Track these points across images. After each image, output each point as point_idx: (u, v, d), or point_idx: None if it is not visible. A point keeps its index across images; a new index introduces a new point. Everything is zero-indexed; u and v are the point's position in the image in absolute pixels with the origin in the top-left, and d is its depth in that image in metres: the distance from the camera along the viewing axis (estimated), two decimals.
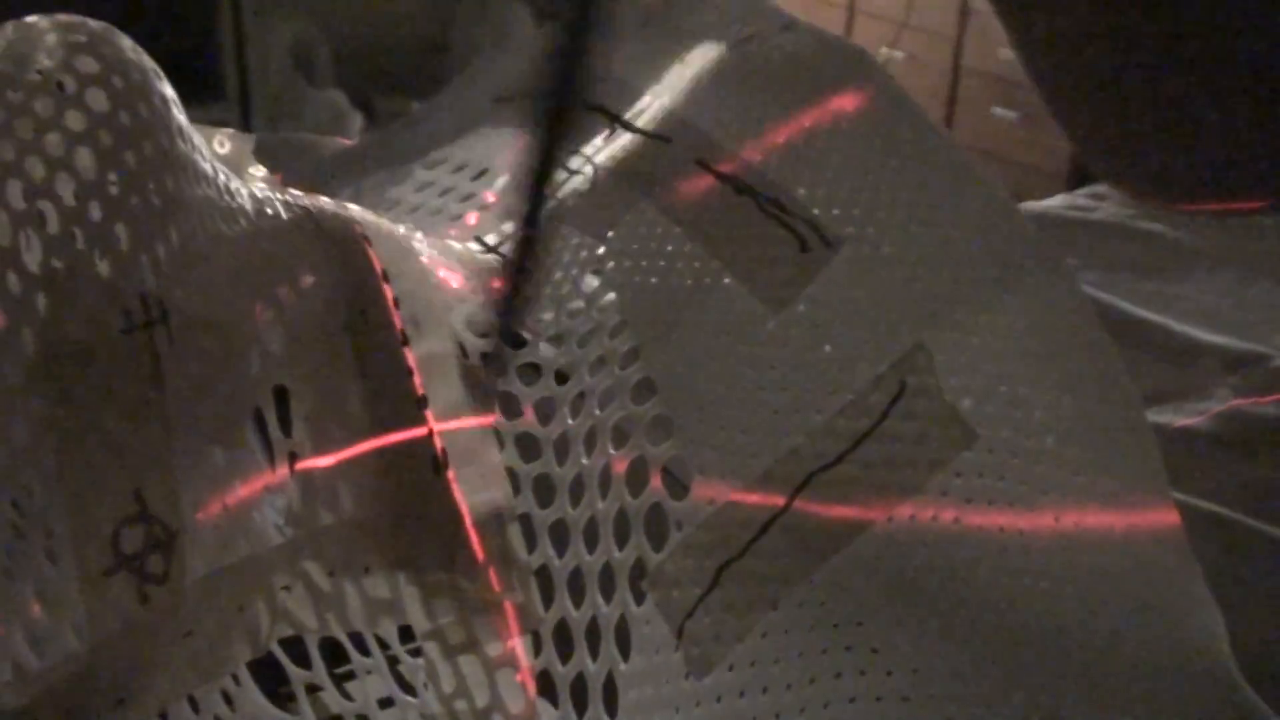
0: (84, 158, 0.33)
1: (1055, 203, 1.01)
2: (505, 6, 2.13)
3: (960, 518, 0.36)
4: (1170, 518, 0.36)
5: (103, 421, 0.32)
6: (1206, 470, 0.64)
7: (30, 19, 0.34)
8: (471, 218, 0.46)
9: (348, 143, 0.57)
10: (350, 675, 0.40)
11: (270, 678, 0.39)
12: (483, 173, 0.48)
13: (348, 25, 2.01)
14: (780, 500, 0.37)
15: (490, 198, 0.47)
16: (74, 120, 0.33)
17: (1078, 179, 2.18)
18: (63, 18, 0.34)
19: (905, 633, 0.35)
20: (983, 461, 0.36)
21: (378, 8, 2.08)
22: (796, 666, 0.35)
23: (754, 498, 0.37)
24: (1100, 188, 1.03)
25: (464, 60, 2.14)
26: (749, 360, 0.39)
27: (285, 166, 0.48)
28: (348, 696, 0.39)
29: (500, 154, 0.48)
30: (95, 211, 0.33)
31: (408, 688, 0.39)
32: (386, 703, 0.39)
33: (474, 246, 0.45)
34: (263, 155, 0.45)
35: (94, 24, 0.34)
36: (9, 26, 0.34)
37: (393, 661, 0.39)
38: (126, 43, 0.34)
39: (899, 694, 0.34)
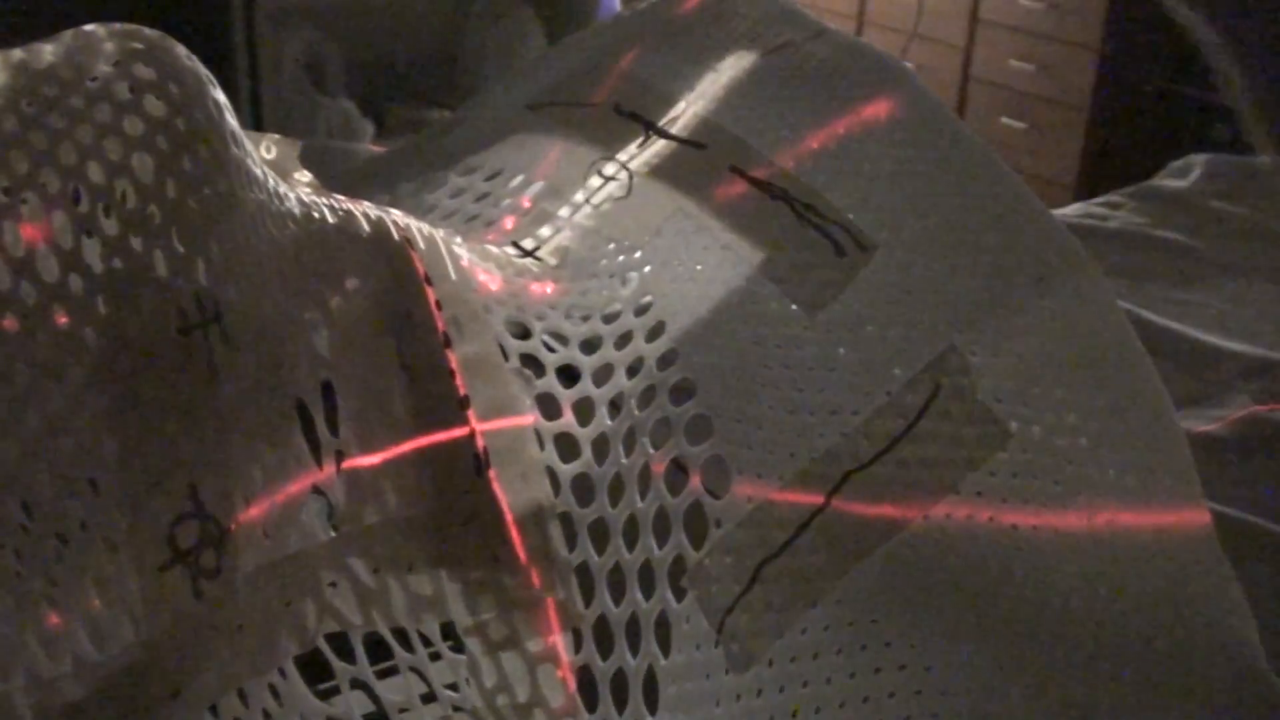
0: (142, 162, 0.34)
1: (1070, 211, 1.02)
2: (515, 17, 2.14)
3: (995, 516, 0.37)
4: (1202, 517, 0.37)
5: (161, 419, 0.33)
6: (1226, 476, 0.64)
7: (88, 27, 0.35)
8: (508, 222, 0.47)
9: (379, 150, 0.58)
10: (392, 670, 0.40)
11: (312, 672, 0.39)
12: (517, 178, 0.49)
13: (359, 35, 2.02)
14: (818, 499, 0.37)
15: (526, 203, 0.47)
16: (132, 126, 0.34)
17: (1085, 189, 2.18)
18: (119, 26, 0.35)
19: (943, 629, 0.35)
20: (1017, 461, 0.37)
21: (389, 18, 2.09)
22: (836, 662, 0.36)
23: (792, 497, 0.38)
24: (1115, 196, 1.04)
25: (474, 70, 2.15)
26: (785, 362, 0.40)
27: (326, 172, 0.49)
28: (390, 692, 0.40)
29: (535, 160, 0.49)
30: (153, 214, 0.33)
31: (449, 685, 0.40)
32: (428, 697, 0.40)
33: (511, 250, 0.46)
34: (307, 161, 0.46)
35: (150, 32, 0.35)
36: (68, 35, 0.35)
37: (434, 657, 0.40)
38: (181, 50, 0.35)
39: (938, 689, 0.35)
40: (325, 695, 0.40)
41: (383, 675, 0.41)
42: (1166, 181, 1.08)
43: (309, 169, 0.46)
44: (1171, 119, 2.28)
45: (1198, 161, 1.11)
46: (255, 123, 1.60)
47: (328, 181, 0.49)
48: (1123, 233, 0.97)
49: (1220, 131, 2.15)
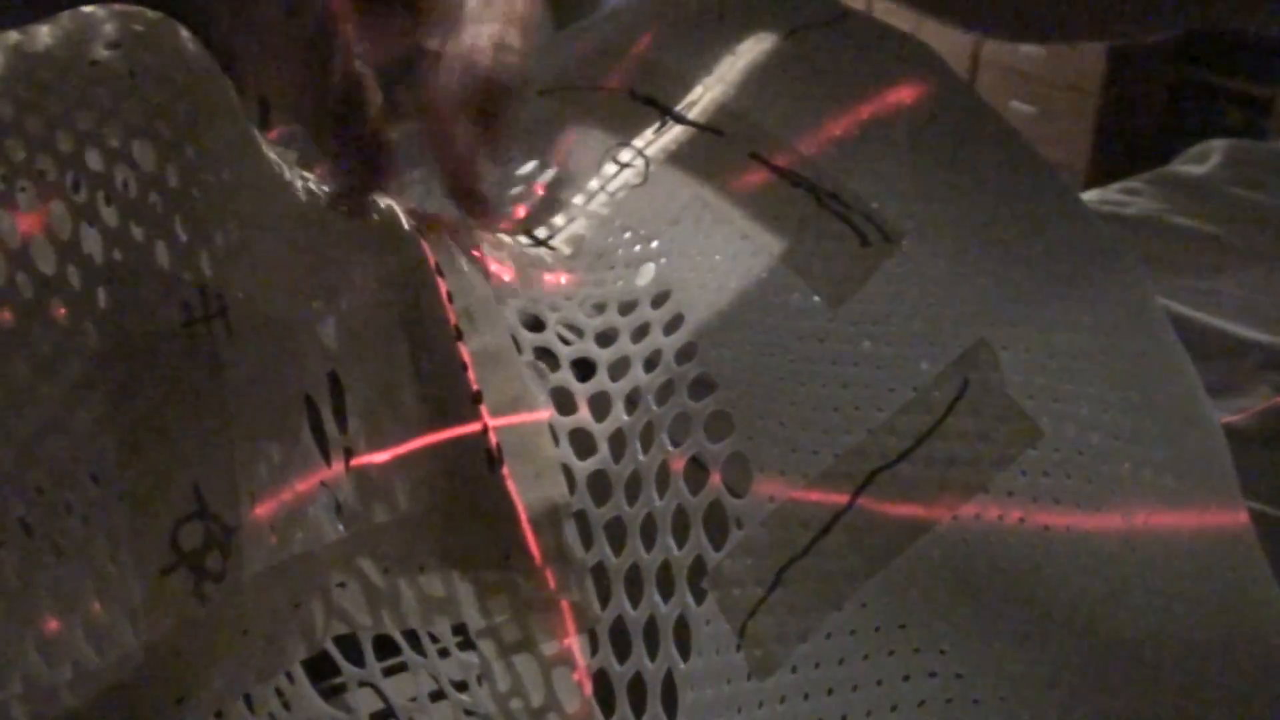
0: (143, 149, 0.32)
1: (1088, 198, 1.00)
2: None
3: (1026, 517, 0.36)
4: (1240, 517, 0.36)
5: (163, 416, 0.32)
6: (1249, 468, 0.63)
7: (86, 8, 0.34)
8: (520, 210, 0.46)
9: None
10: (400, 668, 0.39)
11: (315, 671, 0.38)
12: (529, 165, 0.47)
13: None
14: (843, 499, 0.36)
15: (538, 190, 0.46)
16: (132, 111, 0.32)
17: (1096, 174, 2.17)
18: (119, 7, 0.34)
19: (974, 634, 0.34)
20: (1048, 460, 0.36)
21: None
22: (862, 668, 0.35)
23: (816, 496, 0.36)
24: (1132, 183, 1.03)
25: None
26: (808, 356, 0.38)
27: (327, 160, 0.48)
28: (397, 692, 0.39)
29: (547, 146, 0.48)
30: (154, 204, 0.32)
31: (460, 685, 0.39)
32: (438, 695, 0.39)
33: (523, 240, 0.44)
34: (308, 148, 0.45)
35: (151, 14, 0.34)
36: (65, 16, 0.34)
37: (444, 653, 0.39)
38: (184, 33, 0.34)
39: (969, 696, 0.34)
40: (331, 692, 0.39)
41: (390, 672, 0.40)
42: (1185, 168, 1.07)
43: (315, 157, 0.44)
44: (1184, 104, 2.27)
45: (1216, 147, 1.09)
46: (262, 110, 1.60)
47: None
48: (1141, 220, 0.95)
49: (1234, 116, 2.13)
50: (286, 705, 0.37)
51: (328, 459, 0.36)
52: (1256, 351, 0.77)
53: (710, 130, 0.43)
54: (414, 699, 0.39)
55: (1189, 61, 2.23)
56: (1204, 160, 1.07)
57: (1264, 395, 0.73)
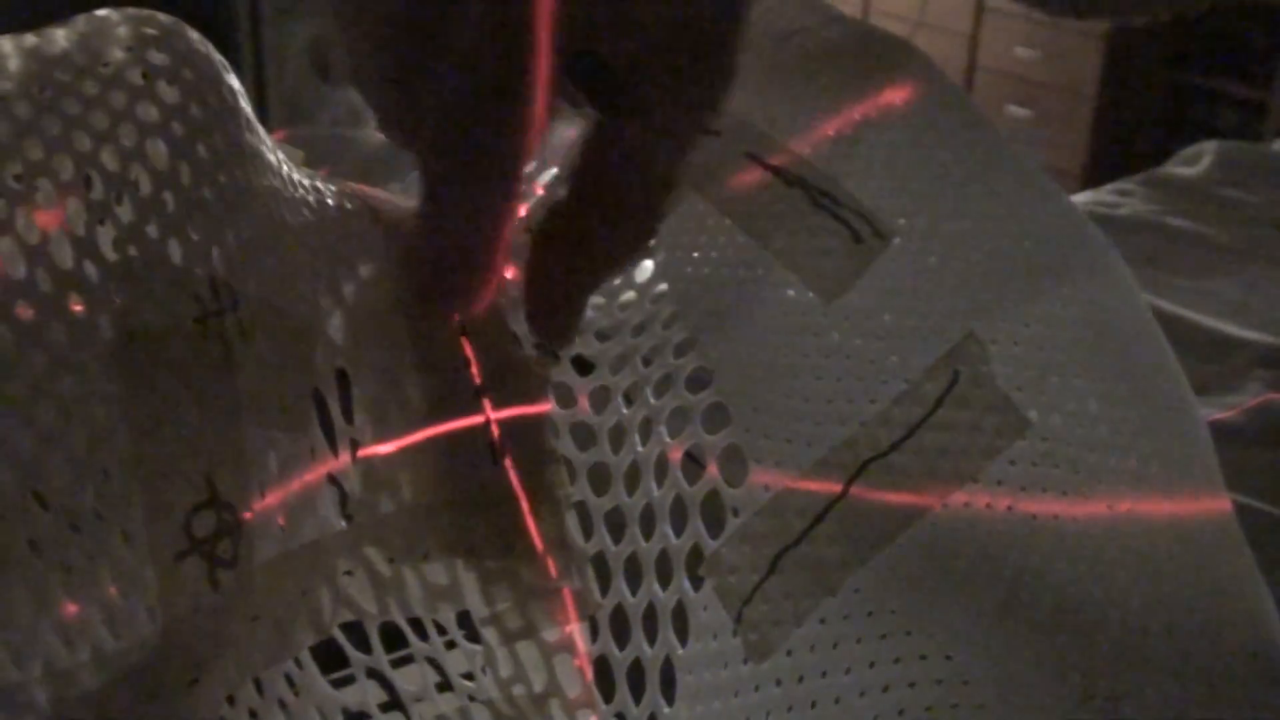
0: (157, 149, 0.33)
1: (1080, 199, 1.01)
2: None
3: (1014, 505, 0.36)
4: (1222, 505, 0.37)
5: (177, 408, 0.33)
6: (1239, 463, 0.64)
7: (101, 12, 0.35)
8: (521, 209, 0.47)
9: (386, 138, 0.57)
10: (408, 659, 0.40)
11: (322, 665, 0.39)
12: (529, 165, 0.48)
13: None
14: (836, 488, 0.37)
15: (538, 190, 0.47)
16: (146, 112, 0.33)
17: (1093, 177, 2.18)
18: (132, 11, 0.35)
19: (964, 618, 0.35)
20: (1036, 449, 0.37)
21: None
22: (855, 651, 0.36)
23: (810, 485, 0.37)
24: (1125, 184, 1.04)
25: None
26: (802, 350, 0.39)
27: (333, 161, 0.49)
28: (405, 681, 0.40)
29: (546, 146, 0.48)
30: (168, 202, 0.33)
31: (465, 675, 0.40)
32: (443, 686, 0.40)
33: (524, 237, 0.45)
34: (317, 151, 0.46)
35: (163, 17, 0.35)
36: (81, 20, 0.35)
37: (450, 645, 0.40)
38: (195, 36, 0.35)
39: (959, 678, 0.35)
40: (340, 684, 0.40)
41: (398, 664, 0.41)
42: (1177, 169, 1.08)
43: (320, 158, 0.46)
44: (1179, 107, 2.28)
45: (1208, 149, 1.10)
46: (260, 112, 1.60)
47: (337, 170, 0.48)
48: (1134, 220, 0.96)
49: (1228, 119, 2.14)
50: (295, 690, 0.38)
51: (335, 450, 0.37)
52: (1248, 349, 0.78)
53: (705, 131, 0.44)
54: (420, 689, 0.40)
55: (1184, 65, 2.25)
56: (1196, 162, 1.08)
57: (1256, 392, 0.74)
